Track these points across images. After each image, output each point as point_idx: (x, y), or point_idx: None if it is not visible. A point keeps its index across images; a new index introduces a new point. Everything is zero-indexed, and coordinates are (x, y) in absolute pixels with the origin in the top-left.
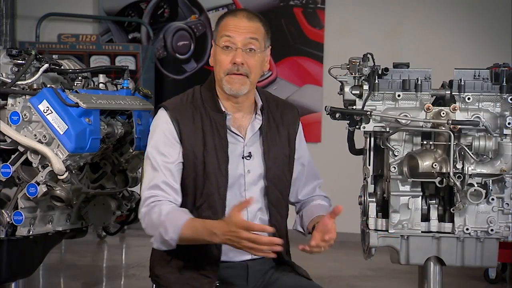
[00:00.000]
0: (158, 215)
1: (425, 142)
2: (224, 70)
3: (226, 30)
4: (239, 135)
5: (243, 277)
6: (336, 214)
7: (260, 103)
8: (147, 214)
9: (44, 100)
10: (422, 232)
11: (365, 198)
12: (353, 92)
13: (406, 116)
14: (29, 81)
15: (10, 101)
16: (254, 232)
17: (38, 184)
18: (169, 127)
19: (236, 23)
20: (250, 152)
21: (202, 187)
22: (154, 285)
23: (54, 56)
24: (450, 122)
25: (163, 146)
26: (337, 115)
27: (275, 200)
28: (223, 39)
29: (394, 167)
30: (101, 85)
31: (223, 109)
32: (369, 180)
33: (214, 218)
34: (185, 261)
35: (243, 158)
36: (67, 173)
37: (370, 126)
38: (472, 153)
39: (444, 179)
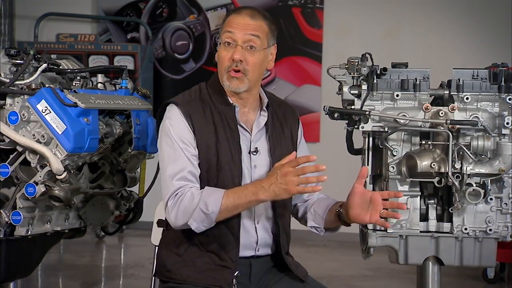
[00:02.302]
0: (190, 198)
1: (423, 142)
2: (225, 67)
3: (228, 27)
4: (246, 130)
5: (247, 275)
6: (364, 177)
7: (266, 100)
8: (176, 204)
9: (43, 100)
10: (420, 232)
11: None
12: (351, 92)
13: (404, 116)
14: (28, 81)
15: (8, 101)
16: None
17: (37, 184)
18: (182, 121)
19: (239, 20)
20: (256, 148)
21: (216, 178)
22: (153, 279)
23: (53, 56)
24: (449, 122)
25: (182, 138)
26: (336, 115)
27: None
28: (224, 35)
29: (393, 167)
30: (99, 85)
31: (231, 102)
32: (367, 180)
33: None
34: (200, 253)
35: (249, 153)
36: (66, 173)
37: (368, 126)
38: (471, 153)
39: (443, 179)
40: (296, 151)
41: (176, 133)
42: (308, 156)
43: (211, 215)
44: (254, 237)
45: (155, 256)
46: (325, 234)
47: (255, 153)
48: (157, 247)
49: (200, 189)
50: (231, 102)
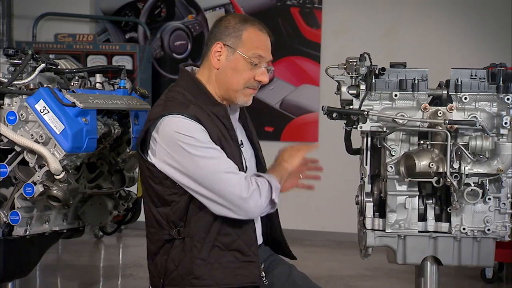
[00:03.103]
0: (259, 179)
1: (422, 142)
2: (245, 84)
3: (257, 48)
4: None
5: None
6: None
7: None
8: (255, 190)
9: (41, 100)
10: (419, 231)
11: (362, 198)
12: (350, 92)
13: (403, 116)
14: (26, 80)
15: (6, 100)
16: None
17: (35, 184)
18: (196, 126)
19: (266, 43)
20: (241, 140)
21: None
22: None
23: (51, 56)
24: (447, 121)
25: (206, 139)
26: (334, 115)
27: None
28: (254, 56)
29: (391, 167)
30: (98, 84)
31: (220, 101)
32: (366, 180)
33: None
34: (223, 253)
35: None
36: (64, 173)
37: (367, 126)
38: (469, 153)
39: (441, 179)
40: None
41: (197, 137)
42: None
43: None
44: (259, 228)
45: (161, 267)
46: None
47: (242, 146)
48: (163, 257)
49: None
50: (220, 101)
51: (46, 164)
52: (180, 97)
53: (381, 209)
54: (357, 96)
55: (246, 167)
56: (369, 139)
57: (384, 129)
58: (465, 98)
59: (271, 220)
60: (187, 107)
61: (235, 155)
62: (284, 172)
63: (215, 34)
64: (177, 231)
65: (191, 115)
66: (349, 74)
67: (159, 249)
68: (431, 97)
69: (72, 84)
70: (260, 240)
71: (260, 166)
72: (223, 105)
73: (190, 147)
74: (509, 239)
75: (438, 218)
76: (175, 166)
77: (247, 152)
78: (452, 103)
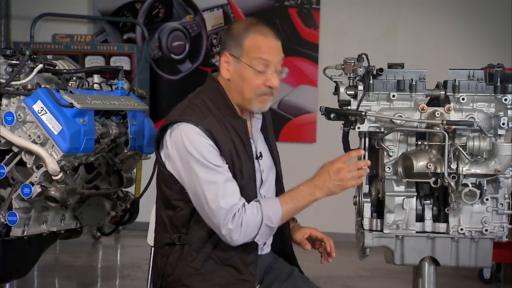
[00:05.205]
0: (251, 215)
1: (419, 143)
2: (256, 92)
3: (260, 53)
4: (251, 138)
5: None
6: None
7: None
8: (239, 225)
9: (39, 101)
10: (416, 232)
11: (360, 199)
12: (348, 92)
13: (400, 116)
14: (24, 81)
15: (4, 101)
16: None
17: (33, 184)
18: (206, 140)
19: (270, 45)
20: (260, 152)
21: (241, 194)
22: (149, 278)
23: (49, 57)
24: (445, 122)
25: (211, 156)
26: (332, 115)
27: (283, 191)
28: (258, 63)
29: (389, 168)
30: (95, 85)
31: (240, 115)
32: (364, 180)
33: None
34: (218, 267)
35: (256, 159)
36: (62, 173)
37: (365, 127)
38: (467, 154)
39: (439, 179)
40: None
41: (203, 154)
42: (358, 150)
43: (275, 227)
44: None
45: (160, 268)
46: None
47: (260, 158)
48: (162, 259)
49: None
50: (240, 115)
51: (43, 165)
52: (202, 106)
53: (379, 210)
54: (355, 96)
55: (262, 180)
56: (367, 139)
57: (382, 129)
58: (463, 99)
59: (282, 231)
60: (204, 118)
61: (245, 171)
62: (309, 196)
63: (224, 43)
64: (178, 237)
65: (205, 128)
66: (347, 74)
67: (160, 250)
68: (428, 97)
69: (70, 84)
70: (266, 249)
71: (278, 180)
72: (243, 119)
73: (194, 162)
74: (507, 239)
75: (436, 219)
76: (178, 173)
77: (265, 163)
78: (449, 103)
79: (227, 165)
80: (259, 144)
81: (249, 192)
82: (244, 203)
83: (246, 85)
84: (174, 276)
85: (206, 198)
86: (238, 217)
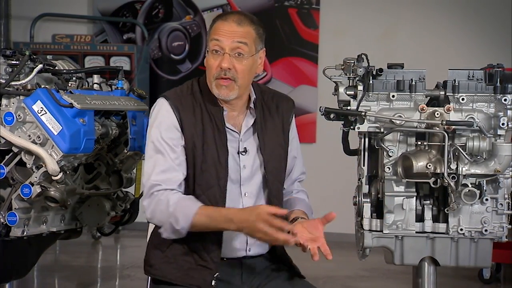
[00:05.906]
0: (165, 205)
1: (419, 143)
2: (213, 74)
3: (215, 34)
4: (234, 131)
5: (238, 275)
6: (328, 221)
7: (253, 97)
8: (152, 203)
9: (38, 101)
10: (416, 232)
11: (360, 199)
12: (347, 92)
13: (400, 116)
14: (23, 81)
15: (4, 101)
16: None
17: (32, 184)
18: (171, 116)
19: (225, 28)
20: (245, 148)
21: (201, 178)
22: (149, 279)
23: (49, 57)
24: (444, 122)
25: (167, 131)
26: (332, 115)
27: (276, 191)
28: (212, 43)
29: (389, 168)
30: (95, 85)
31: (220, 104)
32: (363, 180)
33: None
34: (183, 251)
35: (238, 153)
36: (61, 173)
37: (364, 127)
38: (466, 154)
39: (438, 180)
40: (287, 142)
41: (164, 129)
42: (285, 225)
43: (181, 230)
44: (244, 238)
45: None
46: None
47: (244, 153)
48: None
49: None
50: (220, 104)
51: (43, 165)
52: (187, 89)
53: (378, 210)
54: (354, 97)
55: (241, 176)
56: (366, 140)
57: (382, 130)
58: (463, 99)
59: None
60: (181, 97)
61: (209, 155)
62: (224, 223)
63: None
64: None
65: (174, 104)
66: (346, 75)
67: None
68: (428, 98)
69: (69, 85)
70: (256, 250)
71: (267, 182)
72: (220, 107)
73: (151, 133)
74: (507, 239)
75: (435, 219)
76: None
77: (250, 161)
78: (449, 104)
79: (181, 148)
80: (247, 140)
81: (209, 179)
82: (168, 189)
83: (207, 69)
84: (145, 257)
85: (144, 170)
86: (153, 198)
